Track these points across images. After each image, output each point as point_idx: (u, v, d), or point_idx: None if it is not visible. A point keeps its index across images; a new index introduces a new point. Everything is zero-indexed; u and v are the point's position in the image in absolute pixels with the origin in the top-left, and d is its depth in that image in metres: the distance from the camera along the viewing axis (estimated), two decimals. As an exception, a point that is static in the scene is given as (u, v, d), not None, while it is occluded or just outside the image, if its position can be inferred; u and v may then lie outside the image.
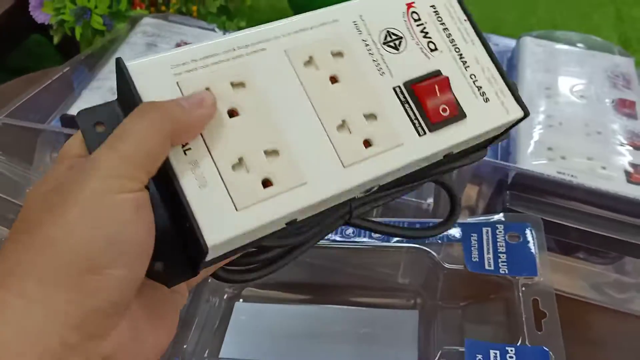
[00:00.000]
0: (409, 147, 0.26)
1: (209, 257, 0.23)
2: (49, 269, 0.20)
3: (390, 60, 0.28)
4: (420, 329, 0.41)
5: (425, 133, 0.27)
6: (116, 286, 0.20)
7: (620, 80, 0.58)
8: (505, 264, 0.38)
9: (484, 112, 0.28)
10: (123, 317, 0.21)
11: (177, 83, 0.24)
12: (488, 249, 0.39)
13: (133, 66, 0.24)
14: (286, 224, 0.25)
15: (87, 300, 0.20)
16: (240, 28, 0.79)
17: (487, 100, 0.28)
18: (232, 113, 0.24)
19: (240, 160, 0.24)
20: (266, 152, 0.24)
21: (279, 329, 0.44)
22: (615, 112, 0.54)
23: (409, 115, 0.27)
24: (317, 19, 0.27)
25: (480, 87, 0.28)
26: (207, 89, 0.24)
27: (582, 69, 0.60)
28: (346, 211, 0.28)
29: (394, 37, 0.28)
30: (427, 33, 0.29)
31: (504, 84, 0.29)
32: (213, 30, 0.61)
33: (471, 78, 0.28)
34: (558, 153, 0.49)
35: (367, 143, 0.26)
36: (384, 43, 0.28)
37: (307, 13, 0.28)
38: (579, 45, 0.65)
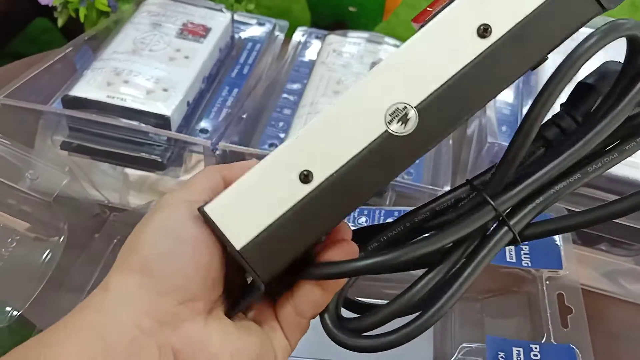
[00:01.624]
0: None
1: (226, 232, 0.23)
2: (121, 261, 0.23)
3: None
4: (436, 324, 0.39)
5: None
6: (180, 271, 0.22)
7: (646, 64, 0.56)
8: (527, 256, 0.36)
9: None
10: (197, 317, 0.23)
11: None
12: (509, 240, 0.37)
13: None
14: (301, 180, 0.22)
15: (156, 284, 0.22)
16: (248, 11, 0.77)
17: None
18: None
19: None
20: None
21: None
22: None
23: None
24: None
25: None
26: None
27: (605, 53, 0.57)
28: (491, 213, 0.24)
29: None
30: None
31: None
32: (220, 10, 0.59)
33: None
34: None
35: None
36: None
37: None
38: (601, 28, 0.62)
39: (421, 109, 0.22)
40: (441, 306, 0.25)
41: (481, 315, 0.37)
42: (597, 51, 0.23)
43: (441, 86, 0.22)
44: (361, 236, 0.27)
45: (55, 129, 0.48)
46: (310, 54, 0.61)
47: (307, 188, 0.22)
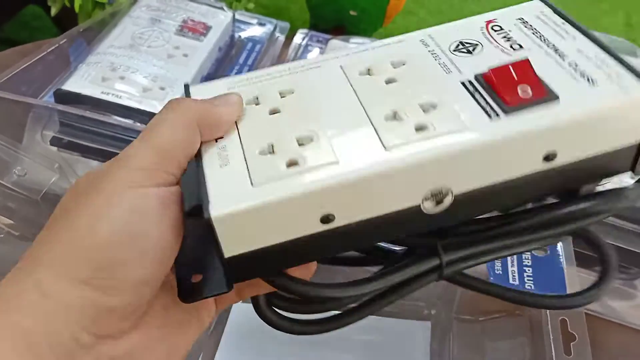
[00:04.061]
0: (475, 130, 0.21)
1: (222, 240, 0.21)
2: (65, 263, 0.19)
3: (460, 61, 0.24)
4: (432, 343, 0.38)
5: (498, 116, 0.22)
6: (132, 287, 0.20)
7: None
8: (531, 278, 0.35)
9: (586, 93, 0.22)
10: (138, 323, 0.21)
11: (227, 89, 0.25)
12: (512, 261, 0.36)
13: (194, 89, 0.25)
14: (320, 220, 0.21)
15: (101, 299, 0.19)
16: (247, 10, 0.75)
17: (592, 82, 0.22)
18: (273, 112, 0.24)
19: (271, 146, 0.22)
20: (299, 140, 0.22)
21: (279, 333, 0.41)
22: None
23: (478, 103, 0.22)
24: (380, 43, 0.26)
25: (584, 72, 0.23)
26: (256, 97, 0.24)
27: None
28: (436, 265, 0.25)
29: (467, 44, 0.25)
30: (510, 38, 0.25)
31: (619, 65, 0.23)
32: (222, 9, 0.57)
33: (570, 65, 0.23)
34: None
35: (420, 128, 0.22)
36: (454, 50, 0.25)
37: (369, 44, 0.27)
38: (604, 46, 0.62)
39: (458, 197, 0.22)
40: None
41: (481, 338, 0.36)
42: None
43: (488, 186, 0.22)
44: None
45: (46, 123, 0.46)
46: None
47: (323, 227, 0.22)
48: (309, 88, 0.24)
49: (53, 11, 0.70)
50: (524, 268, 0.36)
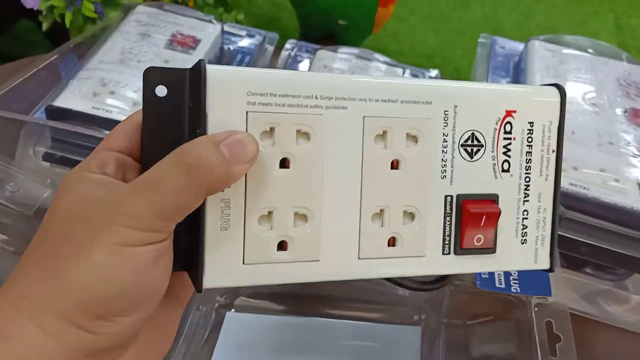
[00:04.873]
0: (428, 261, 0.27)
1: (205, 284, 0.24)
2: (64, 309, 0.20)
3: (458, 165, 0.27)
4: (422, 348, 0.38)
5: (449, 253, 0.27)
6: (125, 330, 0.21)
7: (633, 89, 0.56)
8: (517, 281, 0.36)
9: (514, 253, 0.28)
10: (128, 344, 0.22)
11: (247, 114, 0.24)
12: (498, 265, 0.37)
13: (212, 71, 0.23)
14: None
15: (98, 341, 0.21)
16: (237, 21, 0.76)
17: (524, 242, 0.28)
18: (285, 162, 0.24)
19: (270, 214, 0.24)
20: (296, 214, 0.25)
21: (272, 341, 0.41)
22: (628, 123, 0.52)
23: (444, 229, 0.27)
24: (411, 94, 0.26)
25: (525, 227, 0.28)
26: (272, 128, 0.24)
27: (594, 76, 0.57)
28: None
29: (475, 142, 0.27)
30: (508, 150, 0.27)
31: (550, 232, 0.28)
32: (210, 21, 0.58)
33: (523, 214, 0.28)
34: (570, 164, 0.47)
35: (393, 241, 0.26)
36: (462, 145, 0.27)
37: (403, 81, 0.27)
38: (589, 50, 0.63)
39: None
40: None
41: (469, 341, 0.37)
42: None
43: None
44: None
45: (38, 139, 0.47)
46: (301, 68, 0.60)
47: None
48: (323, 142, 0.25)
49: (44, 26, 0.71)
50: (510, 272, 0.37)
